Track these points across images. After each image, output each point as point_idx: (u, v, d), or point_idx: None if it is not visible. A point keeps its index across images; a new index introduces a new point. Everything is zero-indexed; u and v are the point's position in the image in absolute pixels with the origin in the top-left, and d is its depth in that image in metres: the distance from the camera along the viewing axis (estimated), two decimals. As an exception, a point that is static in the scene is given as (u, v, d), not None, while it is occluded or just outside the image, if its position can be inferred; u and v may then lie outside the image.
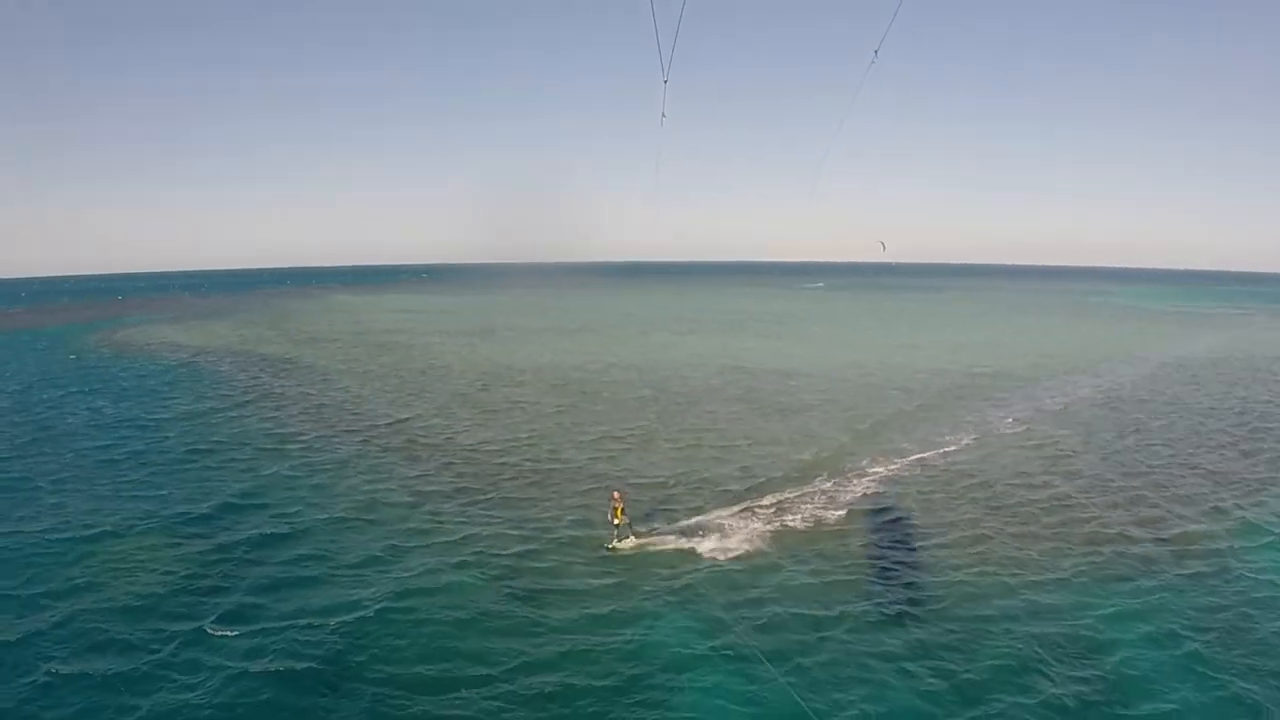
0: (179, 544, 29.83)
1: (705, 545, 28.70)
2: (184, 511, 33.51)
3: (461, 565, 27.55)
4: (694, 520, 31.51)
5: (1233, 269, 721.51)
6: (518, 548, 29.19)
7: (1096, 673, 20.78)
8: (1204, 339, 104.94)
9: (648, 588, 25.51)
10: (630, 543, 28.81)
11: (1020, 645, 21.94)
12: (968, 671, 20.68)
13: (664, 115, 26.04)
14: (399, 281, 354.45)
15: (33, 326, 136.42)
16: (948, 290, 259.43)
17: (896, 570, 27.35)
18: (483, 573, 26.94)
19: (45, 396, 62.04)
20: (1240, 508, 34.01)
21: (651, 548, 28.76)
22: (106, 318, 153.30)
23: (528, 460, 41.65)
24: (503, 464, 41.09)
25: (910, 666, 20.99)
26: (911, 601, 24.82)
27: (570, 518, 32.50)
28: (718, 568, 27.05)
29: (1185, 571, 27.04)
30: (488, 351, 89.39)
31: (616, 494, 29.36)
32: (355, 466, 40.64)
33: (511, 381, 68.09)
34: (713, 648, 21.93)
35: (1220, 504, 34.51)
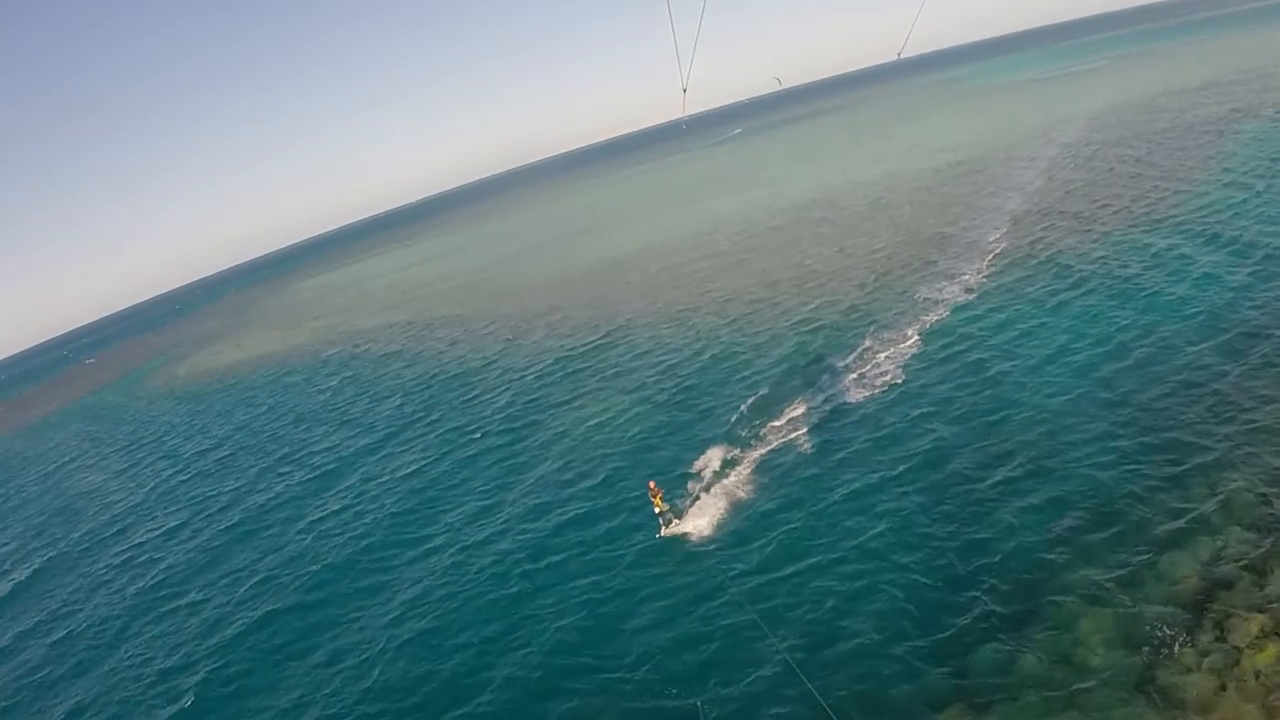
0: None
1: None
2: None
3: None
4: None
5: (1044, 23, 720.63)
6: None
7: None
8: (1086, 100, 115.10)
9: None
10: (675, 526, 29.42)
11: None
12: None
13: (684, 128, 29.04)
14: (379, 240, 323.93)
15: (102, 385, 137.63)
16: (833, 112, 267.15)
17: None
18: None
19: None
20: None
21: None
22: (157, 352, 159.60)
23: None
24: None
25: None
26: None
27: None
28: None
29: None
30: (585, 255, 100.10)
31: (651, 484, 29.88)
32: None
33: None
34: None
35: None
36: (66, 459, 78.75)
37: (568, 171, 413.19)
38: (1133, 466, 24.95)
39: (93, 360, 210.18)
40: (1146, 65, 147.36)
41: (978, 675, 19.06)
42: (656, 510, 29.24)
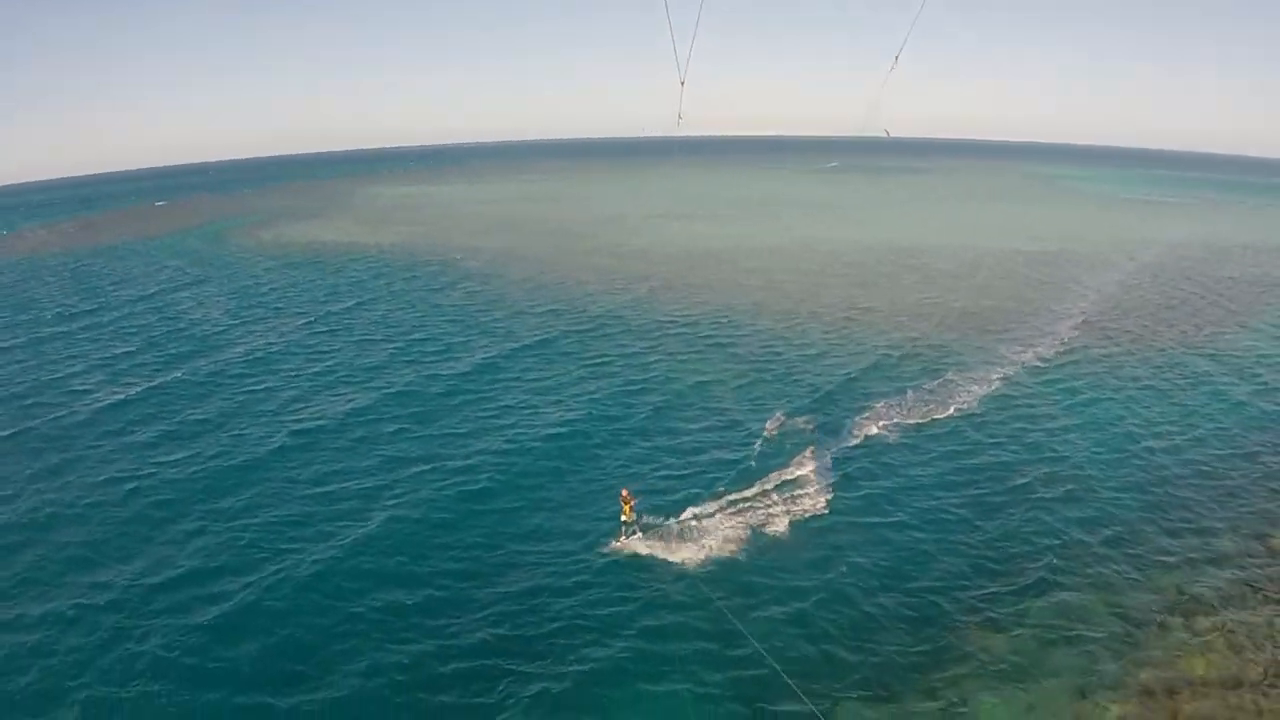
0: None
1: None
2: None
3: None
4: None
5: (1165, 148, 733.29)
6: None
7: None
8: (1171, 229, 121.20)
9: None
10: (637, 539, 29.32)
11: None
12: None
13: (680, 117, 28.60)
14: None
15: (179, 229, 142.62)
16: (930, 172, 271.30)
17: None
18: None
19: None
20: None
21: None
22: (232, 214, 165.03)
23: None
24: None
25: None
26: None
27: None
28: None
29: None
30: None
31: (625, 491, 29.71)
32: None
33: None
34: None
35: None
36: (165, 287, 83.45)
37: (631, 157, 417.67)
38: (1150, 513, 32.59)
39: (162, 204, 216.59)
40: (1231, 215, 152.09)
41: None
42: (623, 518, 29.14)
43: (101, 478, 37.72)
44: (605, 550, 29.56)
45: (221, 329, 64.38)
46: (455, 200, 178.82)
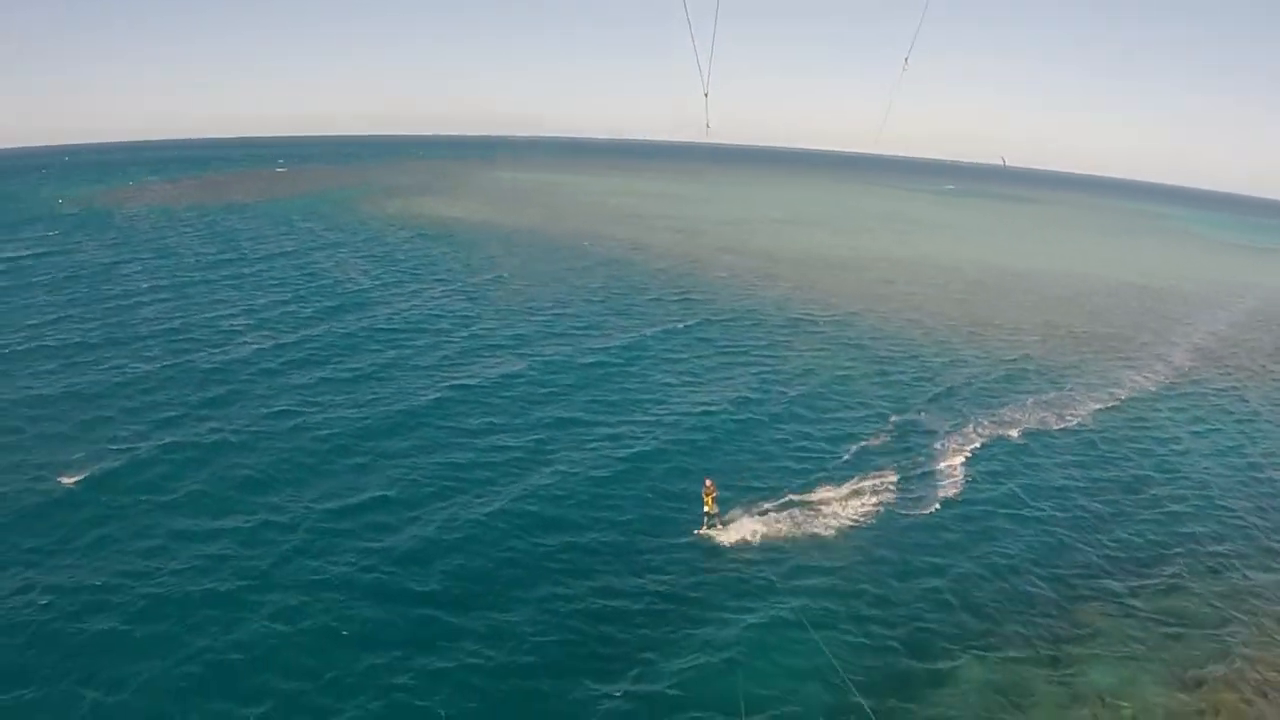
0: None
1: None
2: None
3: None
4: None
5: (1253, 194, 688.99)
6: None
7: None
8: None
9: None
10: (719, 529, 29.24)
11: None
12: None
13: (708, 125, 28.22)
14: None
15: (304, 192, 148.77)
16: (1039, 202, 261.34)
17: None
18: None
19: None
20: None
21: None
22: (353, 184, 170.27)
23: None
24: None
25: None
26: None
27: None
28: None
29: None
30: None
31: (708, 482, 29.56)
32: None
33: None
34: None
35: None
36: (302, 246, 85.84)
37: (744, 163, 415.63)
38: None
39: (283, 168, 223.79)
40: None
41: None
42: (705, 510, 29.15)
43: (265, 411, 38.71)
44: (691, 538, 29.07)
45: (364, 288, 65.84)
46: (576, 190, 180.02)
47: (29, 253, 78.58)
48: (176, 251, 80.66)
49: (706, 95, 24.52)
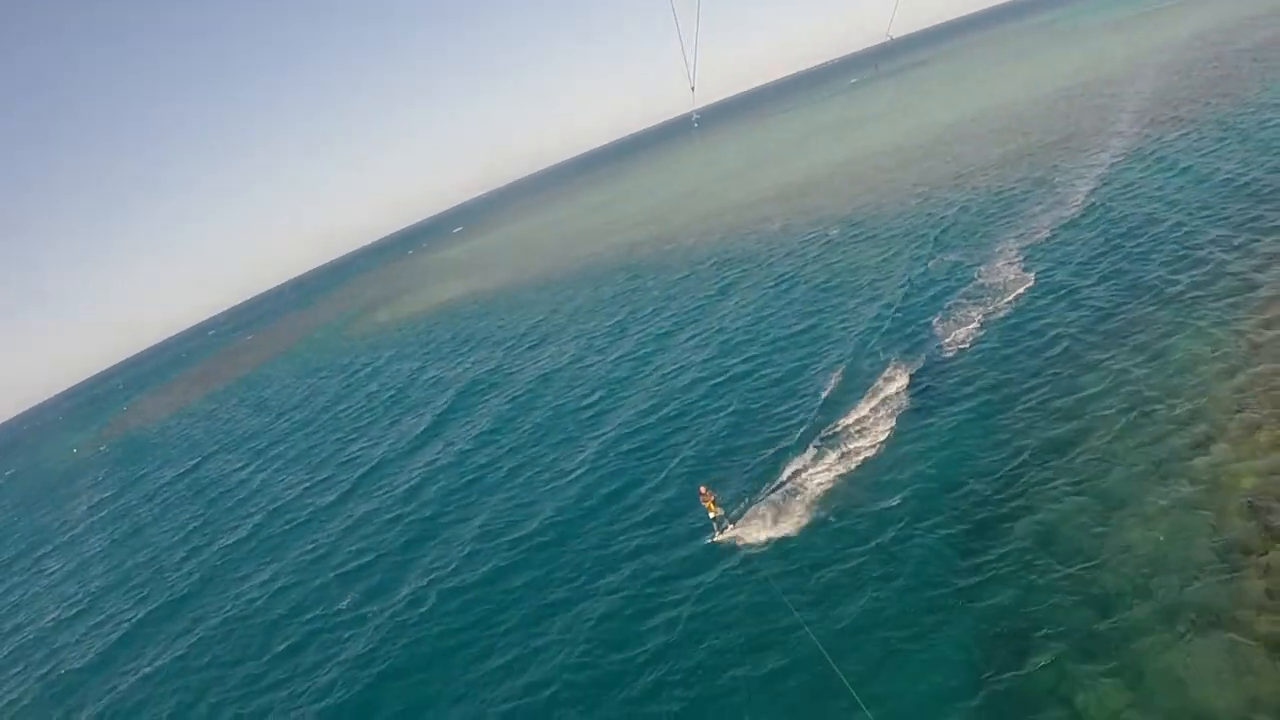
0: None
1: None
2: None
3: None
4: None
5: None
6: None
7: None
8: (1171, 29, 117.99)
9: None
10: (730, 530, 28.23)
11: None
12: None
13: (696, 121, 31.76)
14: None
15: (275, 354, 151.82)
16: (933, 61, 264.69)
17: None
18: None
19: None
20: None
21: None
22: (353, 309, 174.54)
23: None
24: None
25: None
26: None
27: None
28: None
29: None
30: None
31: (703, 488, 28.50)
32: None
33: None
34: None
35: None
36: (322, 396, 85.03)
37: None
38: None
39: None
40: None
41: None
42: (710, 515, 28.20)
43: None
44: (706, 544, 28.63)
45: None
46: (541, 228, 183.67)
47: (87, 506, 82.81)
48: (207, 449, 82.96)
49: (693, 89, 27.73)
